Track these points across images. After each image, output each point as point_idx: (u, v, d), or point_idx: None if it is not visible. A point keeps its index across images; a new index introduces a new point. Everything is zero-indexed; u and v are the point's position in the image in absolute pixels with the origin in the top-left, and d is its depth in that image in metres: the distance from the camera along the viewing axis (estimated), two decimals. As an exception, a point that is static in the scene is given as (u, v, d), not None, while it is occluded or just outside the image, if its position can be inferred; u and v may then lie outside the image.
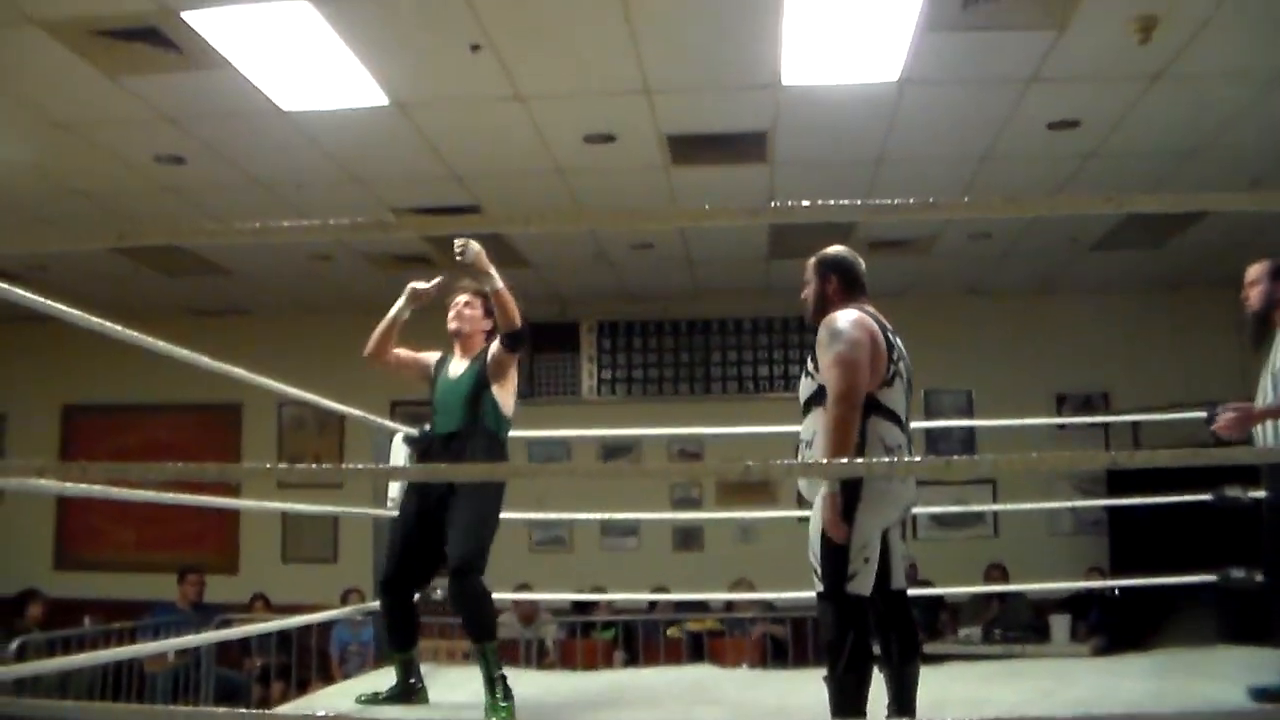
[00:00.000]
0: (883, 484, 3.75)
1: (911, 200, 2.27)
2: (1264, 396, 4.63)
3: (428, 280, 4.99)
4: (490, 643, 4.65)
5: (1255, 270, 4.76)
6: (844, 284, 4.06)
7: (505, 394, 4.92)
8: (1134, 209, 2.18)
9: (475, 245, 4.60)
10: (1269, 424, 4.52)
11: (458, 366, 5.00)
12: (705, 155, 7.67)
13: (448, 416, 4.93)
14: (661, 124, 7.15)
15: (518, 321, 4.69)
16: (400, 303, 5.00)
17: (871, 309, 3.99)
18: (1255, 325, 4.77)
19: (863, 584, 3.73)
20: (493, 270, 4.62)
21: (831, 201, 2.34)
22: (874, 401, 3.80)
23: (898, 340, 3.97)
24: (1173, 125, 7.16)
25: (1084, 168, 7.84)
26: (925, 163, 7.80)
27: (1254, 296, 4.74)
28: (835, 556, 3.71)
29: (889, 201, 2.28)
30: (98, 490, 3.94)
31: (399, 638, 4.93)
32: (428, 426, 5.91)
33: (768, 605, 9.35)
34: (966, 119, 7.11)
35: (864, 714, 3.63)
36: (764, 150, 7.60)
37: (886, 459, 3.78)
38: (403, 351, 5.16)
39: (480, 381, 4.89)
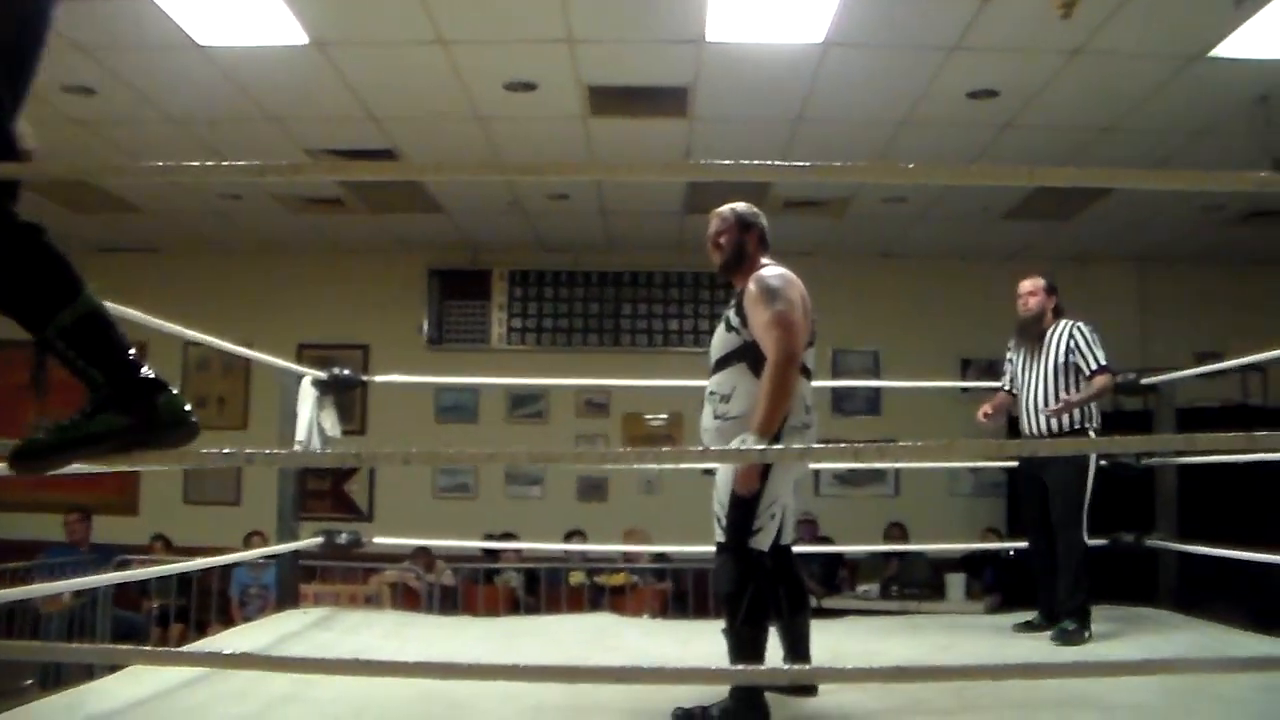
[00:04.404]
0: (797, 440, 3.79)
1: (836, 163, 2.31)
2: (1048, 389, 5.37)
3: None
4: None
5: (1030, 283, 5.56)
6: (761, 241, 4.08)
7: None
8: (1045, 182, 2.23)
9: None
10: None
11: None
12: (625, 107, 7.64)
13: None
14: (583, 74, 7.11)
15: None
16: None
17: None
18: (1032, 327, 5.51)
19: (765, 539, 3.75)
20: None
21: (752, 161, 2.36)
22: None
23: None
24: (1089, 101, 7.27)
25: (1000, 138, 7.95)
26: (844, 125, 7.84)
27: (1032, 304, 5.52)
28: (743, 510, 3.71)
29: (807, 164, 2.30)
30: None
31: None
32: (338, 370, 5.88)
33: (662, 557, 9.38)
34: (888, 84, 7.16)
35: (763, 663, 3.68)
36: (684, 105, 7.60)
37: (801, 424, 3.81)
38: None
39: None
